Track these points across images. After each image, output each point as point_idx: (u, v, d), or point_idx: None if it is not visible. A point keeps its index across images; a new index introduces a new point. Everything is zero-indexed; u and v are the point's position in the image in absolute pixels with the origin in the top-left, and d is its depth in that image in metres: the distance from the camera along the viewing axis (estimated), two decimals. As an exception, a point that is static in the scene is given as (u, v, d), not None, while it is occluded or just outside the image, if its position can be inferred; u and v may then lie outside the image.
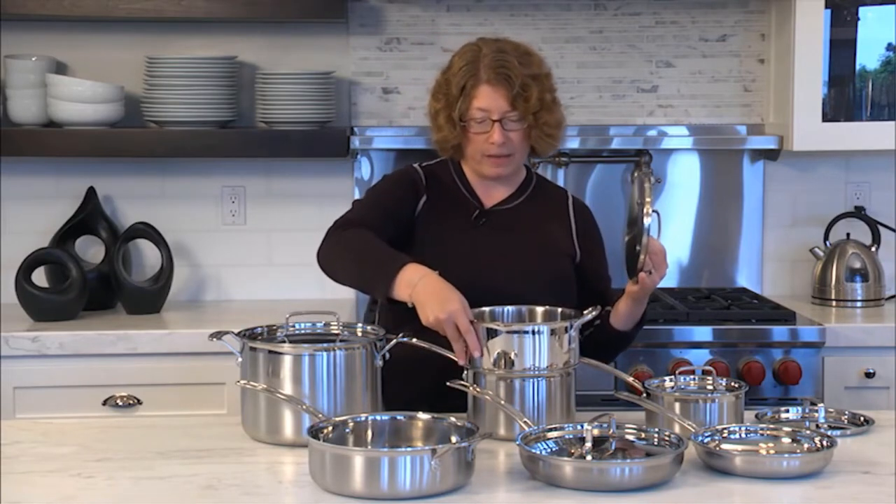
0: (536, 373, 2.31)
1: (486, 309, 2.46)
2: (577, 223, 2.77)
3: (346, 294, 3.67)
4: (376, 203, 2.68)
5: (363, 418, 2.19)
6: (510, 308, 2.50)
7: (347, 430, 2.15)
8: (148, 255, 3.90)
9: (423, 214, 2.68)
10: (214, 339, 2.40)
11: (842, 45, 3.80)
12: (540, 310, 2.50)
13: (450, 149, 2.69)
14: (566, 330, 2.35)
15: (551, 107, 2.65)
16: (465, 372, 2.37)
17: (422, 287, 2.37)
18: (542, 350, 2.31)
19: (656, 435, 2.15)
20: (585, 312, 2.42)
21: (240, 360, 2.37)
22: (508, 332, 2.32)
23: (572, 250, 2.75)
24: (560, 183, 3.95)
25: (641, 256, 2.43)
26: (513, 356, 2.30)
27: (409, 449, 2.09)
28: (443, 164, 2.76)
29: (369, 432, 2.17)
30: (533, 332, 2.32)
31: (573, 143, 3.91)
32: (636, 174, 2.46)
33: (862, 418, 2.44)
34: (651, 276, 2.48)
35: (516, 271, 2.63)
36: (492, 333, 2.32)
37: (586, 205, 2.86)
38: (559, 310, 2.47)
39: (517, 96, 2.58)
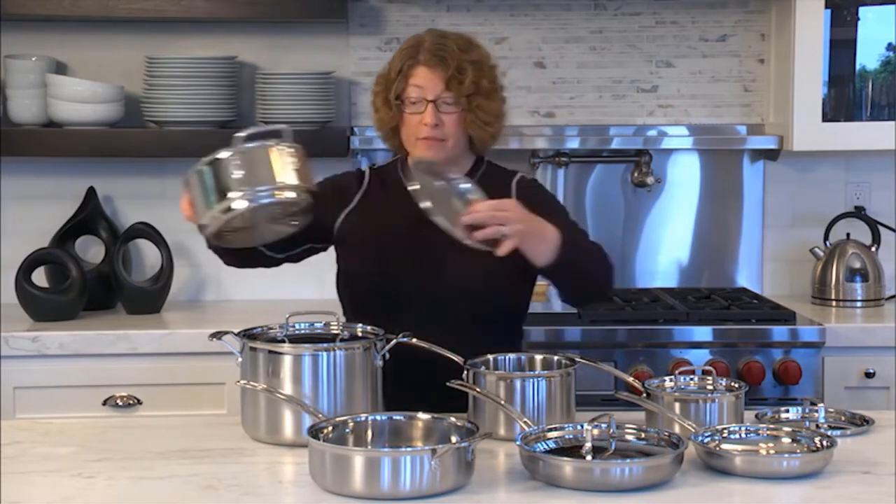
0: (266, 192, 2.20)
1: None
2: (518, 195, 2.65)
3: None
4: None
5: (363, 418, 2.19)
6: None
7: (347, 430, 2.15)
8: (148, 255, 3.90)
9: (353, 218, 2.69)
10: (214, 339, 2.40)
11: (842, 45, 3.81)
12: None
13: (388, 132, 2.68)
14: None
15: (489, 94, 2.62)
16: (465, 372, 2.38)
17: None
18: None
19: (656, 435, 2.15)
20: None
21: (240, 360, 2.37)
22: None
23: None
24: (560, 183, 3.95)
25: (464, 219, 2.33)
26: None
27: (409, 449, 2.09)
28: (393, 164, 2.76)
29: (369, 432, 2.17)
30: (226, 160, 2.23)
31: (573, 143, 3.91)
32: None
33: (862, 418, 2.44)
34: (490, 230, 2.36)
35: (457, 263, 2.55)
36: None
37: (535, 180, 2.81)
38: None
39: (452, 78, 2.58)
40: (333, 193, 2.71)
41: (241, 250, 2.62)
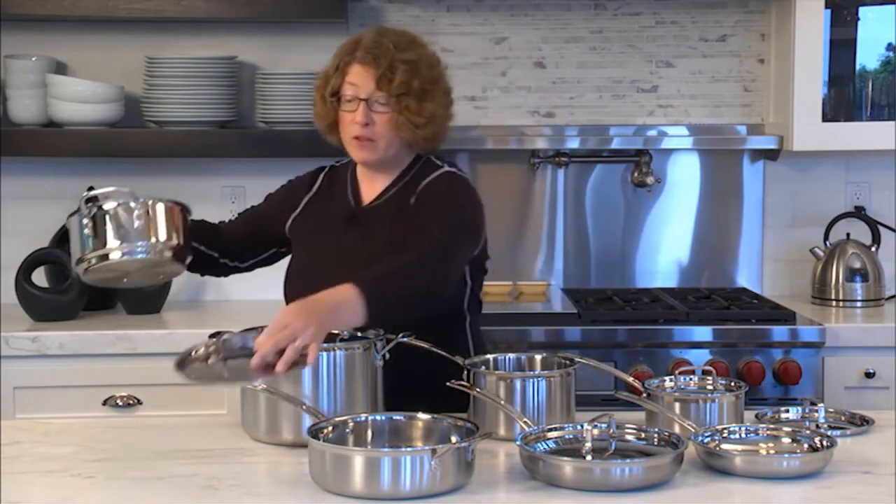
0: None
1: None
2: (419, 197, 2.57)
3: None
4: (254, 212, 2.80)
5: (363, 418, 2.19)
6: None
7: (347, 430, 2.15)
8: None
9: (297, 221, 2.69)
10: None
11: (842, 45, 3.80)
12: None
13: (326, 128, 2.64)
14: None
15: (421, 95, 2.53)
16: (465, 372, 2.38)
17: None
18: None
19: (656, 435, 2.15)
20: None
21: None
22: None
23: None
24: (560, 183, 3.96)
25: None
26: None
27: (409, 449, 2.09)
28: (348, 163, 2.73)
29: (369, 432, 2.17)
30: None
31: (573, 143, 3.91)
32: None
33: (862, 418, 2.44)
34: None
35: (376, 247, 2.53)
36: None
37: (451, 175, 2.60)
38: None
39: (382, 76, 2.52)
40: (286, 197, 2.74)
41: (201, 264, 2.68)
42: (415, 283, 2.36)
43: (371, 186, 2.65)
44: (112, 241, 2.30)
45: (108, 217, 2.29)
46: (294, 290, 2.63)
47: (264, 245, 2.74)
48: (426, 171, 2.62)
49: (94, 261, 2.31)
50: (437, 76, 2.59)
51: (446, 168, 2.63)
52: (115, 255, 2.31)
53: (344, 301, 2.24)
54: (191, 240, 2.47)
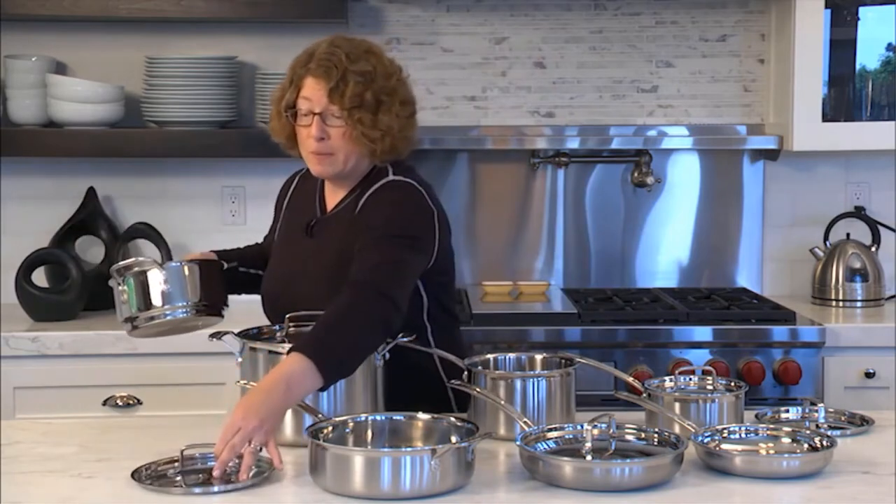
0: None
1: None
2: (361, 209, 2.50)
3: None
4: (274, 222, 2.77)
5: (363, 418, 2.19)
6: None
7: (347, 430, 2.15)
8: (148, 256, 3.89)
9: (280, 226, 2.69)
10: (214, 339, 2.40)
11: (842, 45, 3.80)
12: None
13: (285, 142, 2.59)
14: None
15: (373, 108, 2.43)
16: (465, 372, 2.38)
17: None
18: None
19: (656, 435, 2.15)
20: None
21: (240, 360, 2.37)
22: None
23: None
24: (560, 183, 3.96)
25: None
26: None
27: (409, 449, 2.09)
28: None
29: (369, 432, 2.17)
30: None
31: (573, 143, 3.91)
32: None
33: (862, 418, 2.44)
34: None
35: (321, 281, 2.48)
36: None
37: (393, 185, 2.51)
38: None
39: (334, 89, 2.43)
40: (278, 203, 2.75)
41: (255, 283, 2.73)
42: (359, 323, 2.27)
43: (333, 196, 2.59)
44: (157, 302, 2.47)
45: (150, 280, 2.48)
46: (265, 296, 2.66)
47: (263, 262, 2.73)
48: (373, 180, 2.53)
49: (141, 321, 2.48)
50: (394, 87, 2.48)
51: (391, 177, 2.51)
52: (159, 315, 2.48)
53: (293, 374, 2.15)
54: (226, 290, 2.58)
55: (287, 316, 2.45)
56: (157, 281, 2.46)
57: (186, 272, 2.48)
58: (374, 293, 2.29)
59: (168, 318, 2.47)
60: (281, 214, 2.70)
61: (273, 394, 2.13)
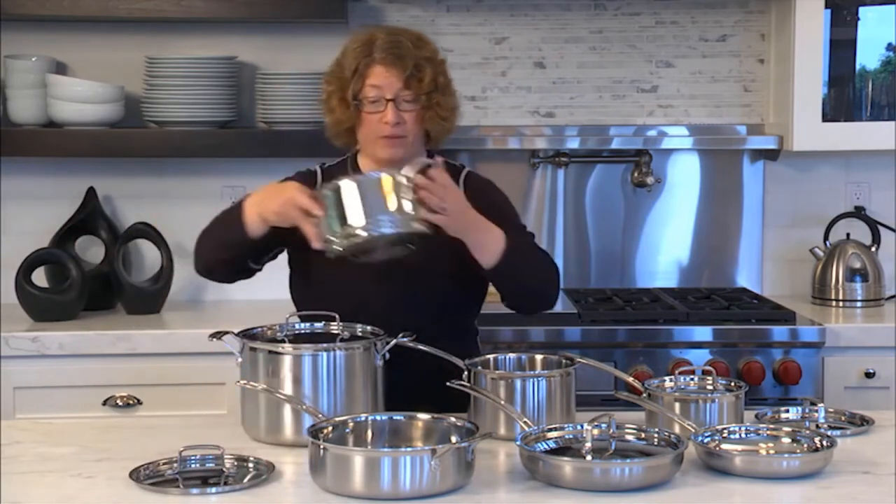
0: (373, 227, 2.31)
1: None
2: (470, 193, 2.63)
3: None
4: None
5: (363, 418, 2.19)
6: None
7: (347, 430, 2.15)
8: (148, 255, 3.90)
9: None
10: (214, 339, 2.40)
11: (842, 45, 3.81)
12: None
13: (343, 133, 2.65)
14: (399, 183, 2.34)
15: (445, 90, 2.62)
16: (465, 372, 2.38)
17: (258, 196, 2.50)
18: (375, 203, 2.32)
19: (656, 435, 2.15)
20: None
21: (240, 360, 2.37)
22: (337, 189, 2.33)
23: None
24: (560, 183, 3.96)
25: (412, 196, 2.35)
26: (347, 215, 2.32)
27: (409, 449, 2.09)
28: (343, 162, 2.74)
29: (369, 432, 2.17)
30: (360, 186, 2.33)
31: (573, 143, 3.91)
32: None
33: (862, 418, 2.44)
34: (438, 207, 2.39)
35: (410, 263, 2.52)
36: (324, 200, 2.34)
37: (484, 178, 2.75)
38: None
39: (411, 76, 2.56)
40: None
41: (234, 271, 2.69)
42: (543, 271, 2.61)
43: None
44: (358, 221, 2.33)
45: (351, 193, 2.33)
46: (310, 291, 2.63)
47: (276, 245, 2.69)
48: (447, 168, 2.63)
49: (341, 239, 2.33)
50: (447, 70, 2.67)
51: (467, 168, 2.73)
52: (361, 233, 2.33)
53: (493, 230, 2.47)
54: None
55: (294, 314, 2.46)
56: (356, 193, 2.33)
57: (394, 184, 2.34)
58: (552, 267, 2.67)
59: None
60: None
61: (476, 215, 2.46)
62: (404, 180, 2.35)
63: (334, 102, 2.63)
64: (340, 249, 2.34)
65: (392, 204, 2.33)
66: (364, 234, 2.32)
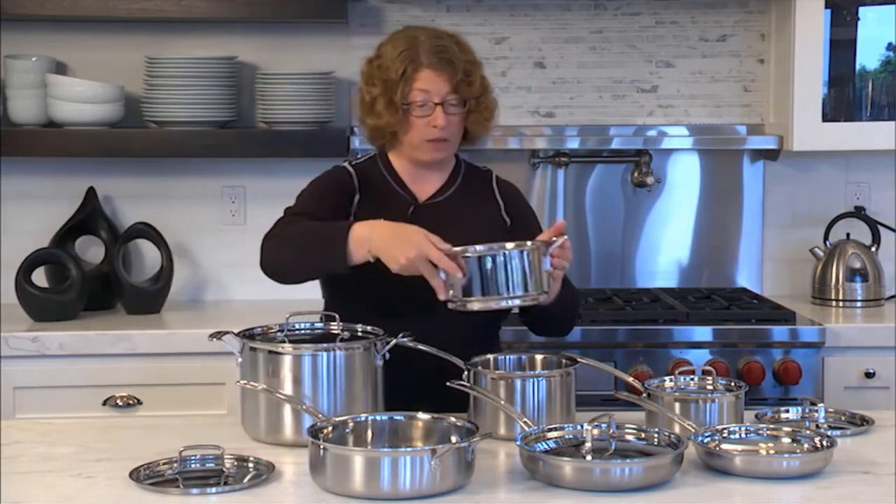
0: (512, 296, 2.34)
1: (458, 249, 2.39)
2: (503, 198, 2.77)
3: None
4: (319, 200, 2.66)
5: (363, 418, 2.19)
6: (480, 246, 2.40)
7: (347, 430, 2.15)
8: (148, 255, 3.90)
9: (358, 214, 2.66)
10: (214, 339, 2.40)
11: (842, 45, 3.81)
12: (510, 244, 2.41)
13: (387, 136, 2.67)
14: (538, 252, 2.37)
15: (489, 91, 2.70)
16: (465, 372, 2.38)
17: (378, 237, 2.39)
18: (515, 272, 2.34)
19: (656, 435, 2.15)
20: (554, 239, 2.43)
21: (240, 360, 2.37)
22: (482, 256, 2.33)
23: (502, 222, 2.74)
24: (560, 183, 3.96)
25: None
26: (488, 280, 2.33)
27: (409, 449, 2.09)
28: (372, 160, 2.75)
29: (369, 432, 2.17)
30: (505, 257, 2.34)
31: (573, 143, 3.91)
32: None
33: (862, 418, 2.44)
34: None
35: None
36: (465, 263, 2.34)
37: (510, 182, 2.84)
38: (528, 242, 2.42)
39: (461, 81, 2.61)
40: (338, 202, 2.67)
41: (306, 280, 2.66)
42: (577, 299, 2.74)
43: (423, 185, 2.71)
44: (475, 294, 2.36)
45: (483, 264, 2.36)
46: (371, 290, 2.59)
47: None
48: (474, 171, 2.79)
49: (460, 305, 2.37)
50: (483, 73, 2.72)
51: (494, 171, 2.82)
52: (472, 307, 2.37)
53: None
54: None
55: (294, 314, 2.45)
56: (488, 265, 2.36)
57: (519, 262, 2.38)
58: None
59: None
60: (353, 212, 2.67)
61: None
62: (545, 253, 2.41)
63: (381, 107, 2.64)
64: (464, 308, 2.37)
65: (531, 276, 2.37)
66: (503, 304, 2.37)
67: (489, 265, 2.34)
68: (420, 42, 2.62)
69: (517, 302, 2.37)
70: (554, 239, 2.42)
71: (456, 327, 2.51)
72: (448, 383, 2.32)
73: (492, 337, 2.75)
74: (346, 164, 2.76)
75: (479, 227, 2.67)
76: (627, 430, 2.16)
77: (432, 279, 2.34)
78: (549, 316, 2.64)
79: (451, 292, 2.35)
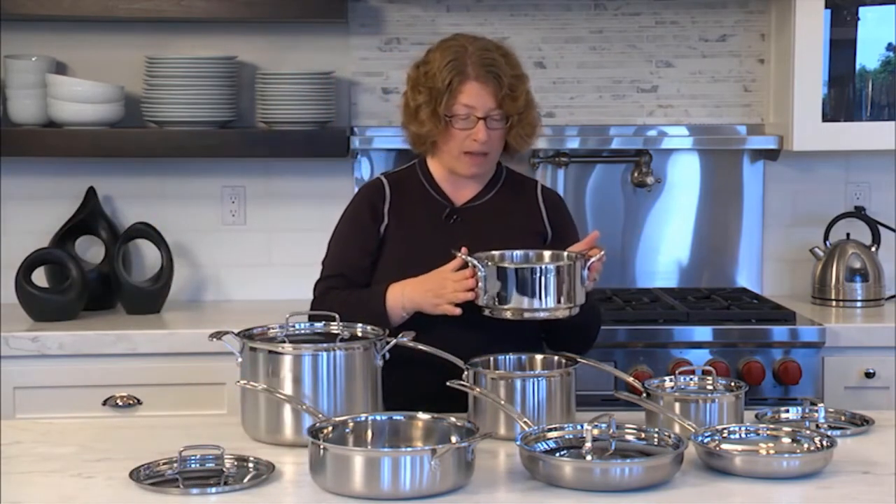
0: (548, 311, 2.42)
1: (496, 253, 2.53)
2: (546, 206, 2.78)
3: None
4: (345, 245, 2.72)
5: (363, 418, 2.19)
6: (517, 252, 2.56)
7: (347, 430, 2.15)
8: (148, 255, 3.90)
9: (391, 226, 2.68)
10: (214, 339, 2.41)
11: (842, 45, 3.80)
12: (547, 253, 2.55)
13: (428, 143, 2.68)
14: (575, 267, 2.44)
15: (532, 106, 2.69)
16: (465, 372, 2.38)
17: (408, 298, 2.53)
18: (550, 283, 2.41)
19: (656, 435, 2.15)
20: (591, 254, 2.47)
21: (240, 360, 2.37)
22: (518, 269, 2.42)
23: (542, 229, 2.76)
24: (560, 183, 3.96)
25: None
26: (524, 294, 2.41)
27: (409, 449, 2.09)
28: (411, 168, 2.76)
29: (369, 432, 2.17)
30: (541, 270, 2.42)
31: (573, 143, 3.91)
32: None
33: (862, 418, 2.44)
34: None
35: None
36: (501, 273, 2.42)
37: (557, 192, 2.88)
38: (565, 252, 2.51)
39: (506, 96, 2.60)
40: (373, 217, 2.70)
41: None
42: (599, 314, 2.78)
43: (460, 192, 2.72)
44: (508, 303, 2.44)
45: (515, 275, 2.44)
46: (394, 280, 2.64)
47: (369, 258, 2.73)
48: (518, 180, 2.80)
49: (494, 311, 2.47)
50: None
51: (541, 183, 2.84)
52: (506, 315, 2.46)
53: None
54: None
55: (294, 314, 2.46)
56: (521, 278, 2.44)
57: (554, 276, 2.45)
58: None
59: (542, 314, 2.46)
60: (384, 223, 2.69)
61: None
62: (583, 266, 2.48)
63: (424, 115, 2.63)
64: (499, 315, 2.46)
65: (566, 287, 2.44)
66: (538, 315, 2.44)
67: (526, 275, 2.41)
68: (468, 53, 2.61)
69: (550, 314, 2.44)
70: (592, 252, 2.47)
71: (494, 335, 2.56)
72: (448, 383, 2.32)
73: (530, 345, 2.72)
74: (380, 175, 2.78)
75: (514, 232, 2.68)
76: (627, 430, 2.16)
77: (467, 298, 2.46)
78: (575, 327, 2.62)
79: (485, 298, 2.45)
